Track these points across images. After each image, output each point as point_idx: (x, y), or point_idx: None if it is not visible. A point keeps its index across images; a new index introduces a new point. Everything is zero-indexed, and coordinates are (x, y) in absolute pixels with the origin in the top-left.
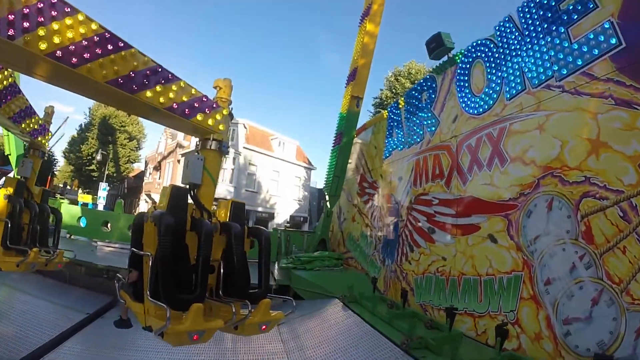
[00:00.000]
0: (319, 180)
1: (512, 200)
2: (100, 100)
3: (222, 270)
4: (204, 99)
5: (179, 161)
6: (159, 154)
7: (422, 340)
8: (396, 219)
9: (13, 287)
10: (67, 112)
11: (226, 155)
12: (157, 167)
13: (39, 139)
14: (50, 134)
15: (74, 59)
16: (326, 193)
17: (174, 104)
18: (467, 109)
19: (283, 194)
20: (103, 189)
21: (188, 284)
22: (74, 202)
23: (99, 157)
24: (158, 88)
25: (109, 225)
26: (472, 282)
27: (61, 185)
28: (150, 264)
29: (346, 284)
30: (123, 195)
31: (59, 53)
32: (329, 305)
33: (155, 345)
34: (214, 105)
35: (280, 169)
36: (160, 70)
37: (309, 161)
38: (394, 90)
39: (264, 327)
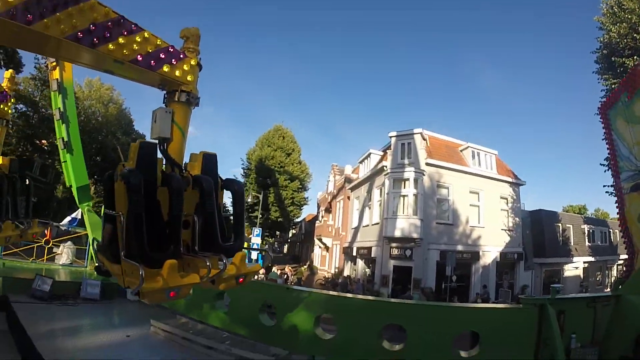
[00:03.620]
0: (527, 200)
1: None
2: (62, 57)
3: (196, 225)
4: (170, 50)
5: (348, 197)
6: (329, 193)
7: None
8: None
9: None
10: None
11: (198, 105)
12: (328, 209)
13: (1, 106)
14: (12, 100)
15: (28, 15)
16: None
17: (139, 56)
18: None
19: (487, 223)
20: (256, 235)
21: (163, 241)
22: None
23: (249, 199)
24: (121, 40)
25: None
26: None
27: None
28: (122, 223)
29: None
30: (301, 240)
31: (12, 11)
32: None
33: None
34: (181, 56)
35: (479, 189)
36: (122, 21)
37: (514, 175)
38: (625, 22)
39: (240, 280)
